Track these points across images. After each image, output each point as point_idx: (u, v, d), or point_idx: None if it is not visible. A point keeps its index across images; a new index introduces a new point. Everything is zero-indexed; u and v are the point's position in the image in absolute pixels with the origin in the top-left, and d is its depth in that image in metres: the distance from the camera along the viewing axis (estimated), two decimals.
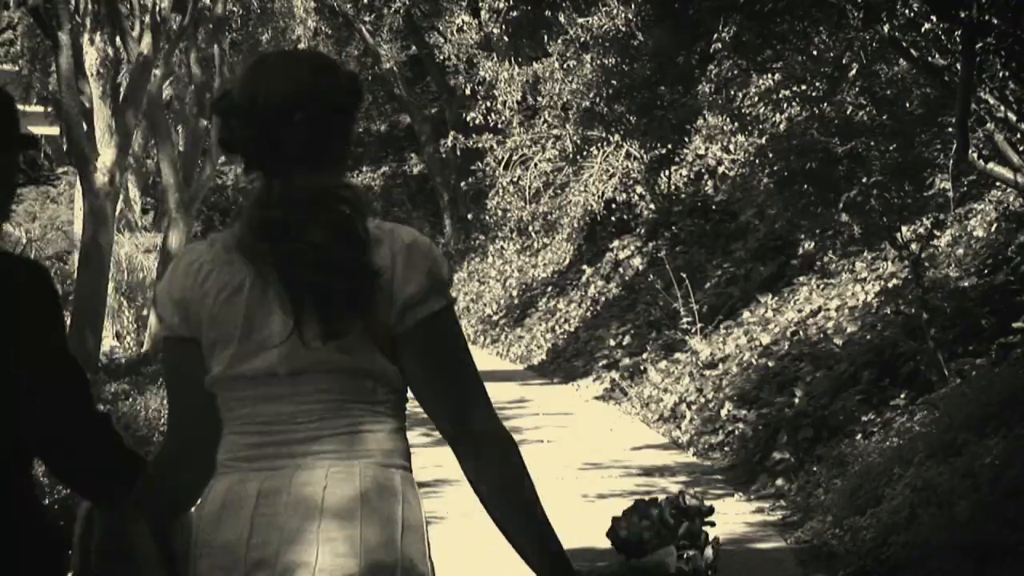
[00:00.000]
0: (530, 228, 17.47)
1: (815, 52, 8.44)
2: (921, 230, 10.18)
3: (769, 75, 9.61)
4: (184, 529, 2.40)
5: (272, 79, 2.29)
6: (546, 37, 16.17)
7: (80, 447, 2.51)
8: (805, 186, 8.85)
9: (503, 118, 17.36)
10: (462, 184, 25.21)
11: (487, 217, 18.77)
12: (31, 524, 2.48)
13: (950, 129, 7.91)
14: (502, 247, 22.14)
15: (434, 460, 10.29)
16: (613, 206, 16.89)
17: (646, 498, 2.85)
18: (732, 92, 13.35)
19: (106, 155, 10.45)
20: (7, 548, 2.37)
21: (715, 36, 10.05)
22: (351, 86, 2.37)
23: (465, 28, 21.63)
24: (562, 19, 14.84)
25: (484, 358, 18.41)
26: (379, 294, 2.20)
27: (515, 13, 15.04)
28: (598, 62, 13.99)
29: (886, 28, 7.29)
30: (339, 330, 2.19)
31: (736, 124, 13.49)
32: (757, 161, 9.70)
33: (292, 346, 2.20)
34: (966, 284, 9.54)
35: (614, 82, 13.79)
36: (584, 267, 18.68)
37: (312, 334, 2.19)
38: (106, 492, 2.53)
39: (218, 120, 2.33)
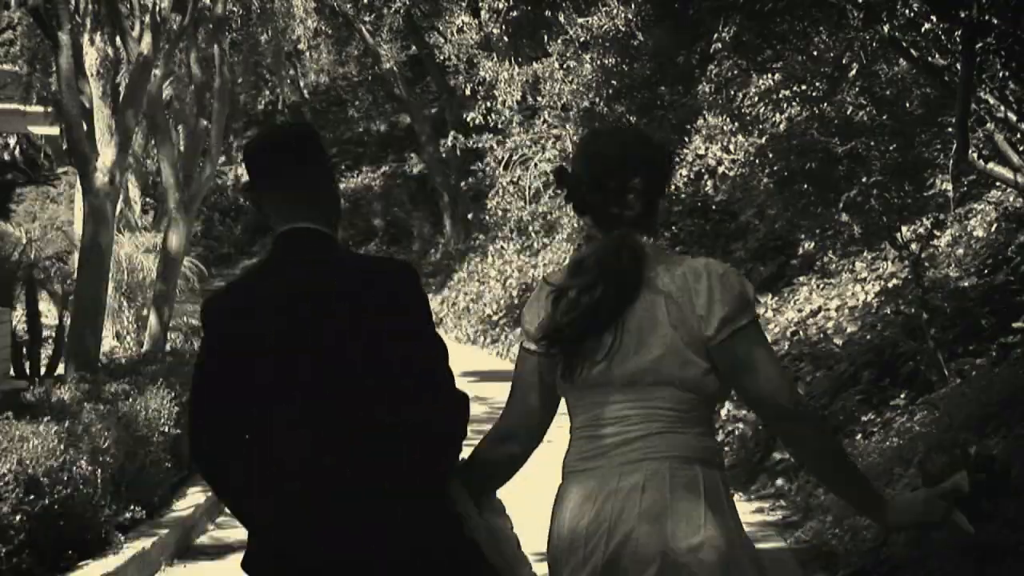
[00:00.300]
0: (530, 228, 17.46)
1: (815, 52, 8.44)
2: (921, 230, 10.18)
3: (769, 75, 9.61)
4: (495, 510, 3.16)
5: (610, 151, 2.91)
6: (546, 37, 16.16)
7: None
8: (805, 186, 8.85)
9: (503, 118, 17.36)
10: (462, 184, 25.22)
11: (487, 217, 18.77)
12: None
13: (950, 129, 7.91)
14: (502, 247, 22.13)
15: None
16: None
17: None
18: (732, 92, 13.35)
19: (106, 155, 10.45)
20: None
21: (715, 36, 10.05)
22: (667, 154, 3.01)
23: (465, 28, 21.62)
24: (562, 19, 14.83)
25: (484, 358, 18.40)
26: (692, 315, 2.77)
27: (515, 13, 15.02)
28: (598, 62, 13.99)
29: (886, 28, 7.29)
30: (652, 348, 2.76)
31: (736, 124, 13.48)
32: (757, 161, 9.70)
33: (621, 358, 2.78)
34: (966, 284, 9.54)
35: (614, 82, 13.77)
36: None
37: (634, 350, 2.77)
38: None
39: (565, 190, 2.93)
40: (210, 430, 2.95)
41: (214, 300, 3.09)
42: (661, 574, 2.71)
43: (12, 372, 14.16)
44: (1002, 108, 7.42)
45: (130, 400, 7.83)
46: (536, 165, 16.98)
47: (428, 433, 2.92)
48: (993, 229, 10.35)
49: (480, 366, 16.96)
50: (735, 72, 11.71)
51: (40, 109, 17.74)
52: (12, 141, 30.16)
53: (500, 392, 12.90)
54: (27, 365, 14.94)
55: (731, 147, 15.39)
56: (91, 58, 13.64)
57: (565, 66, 15.28)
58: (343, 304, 2.88)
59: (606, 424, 2.86)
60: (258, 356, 2.90)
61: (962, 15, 6.31)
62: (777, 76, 9.26)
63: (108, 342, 14.33)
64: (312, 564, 2.83)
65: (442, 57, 22.40)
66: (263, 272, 3.06)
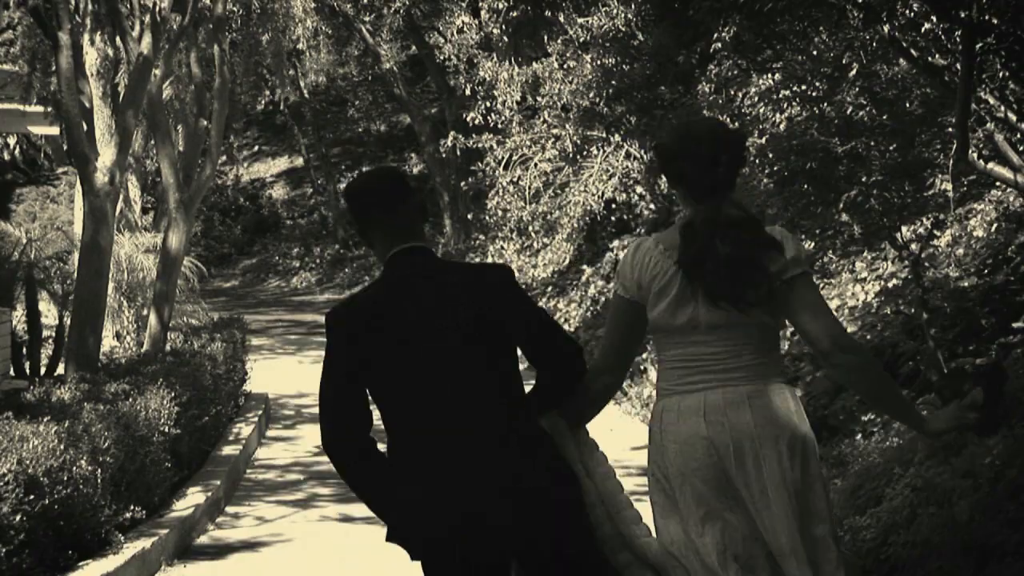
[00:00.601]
0: (530, 228, 17.45)
1: (815, 52, 8.44)
2: (921, 230, 10.18)
3: (769, 75, 9.61)
4: (589, 445, 4.05)
5: (702, 132, 3.73)
6: (546, 37, 16.16)
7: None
8: (805, 186, 8.85)
9: (503, 118, 17.34)
10: (462, 184, 25.21)
11: (487, 217, 18.74)
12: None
13: (950, 129, 7.91)
14: (502, 247, 22.12)
15: None
16: (613, 206, 16.88)
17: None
18: (732, 92, 13.34)
19: (106, 155, 10.45)
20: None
21: (715, 36, 10.05)
22: (743, 137, 3.88)
23: (465, 28, 21.60)
24: (562, 19, 14.83)
25: None
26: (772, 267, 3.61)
27: (515, 13, 15.04)
28: (598, 62, 13.99)
29: (886, 28, 7.28)
30: (742, 303, 3.58)
31: (736, 124, 13.48)
32: (757, 161, 9.69)
33: (708, 308, 3.61)
34: (966, 284, 9.54)
35: (614, 82, 13.78)
36: (584, 267, 18.68)
37: (724, 303, 3.60)
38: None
39: (659, 161, 3.76)
40: (344, 434, 3.61)
41: (342, 311, 3.70)
42: (790, 446, 3.62)
43: (12, 372, 14.17)
44: (1002, 108, 7.42)
45: (130, 400, 7.83)
46: (536, 165, 16.96)
47: (560, 371, 3.80)
48: (993, 229, 10.35)
49: None
50: (735, 72, 11.71)
51: (40, 109, 17.74)
52: (12, 141, 30.16)
53: None
54: (27, 365, 14.95)
55: None
56: (91, 58, 13.64)
57: (565, 66, 15.28)
58: (463, 290, 3.64)
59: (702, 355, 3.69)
60: (398, 348, 3.57)
61: (962, 15, 6.30)
62: (777, 76, 9.26)
63: (108, 342, 14.32)
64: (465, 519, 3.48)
65: (442, 57, 22.36)
66: (387, 283, 3.69)
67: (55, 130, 17.62)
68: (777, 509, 3.59)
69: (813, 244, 13.41)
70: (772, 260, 3.61)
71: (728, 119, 14.10)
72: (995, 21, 6.42)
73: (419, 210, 3.77)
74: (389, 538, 3.64)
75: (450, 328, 3.57)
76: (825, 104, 8.70)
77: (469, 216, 26.01)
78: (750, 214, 3.74)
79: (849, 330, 10.41)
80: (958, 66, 6.92)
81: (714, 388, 3.65)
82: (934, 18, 7.12)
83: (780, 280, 3.61)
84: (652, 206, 17.22)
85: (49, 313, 16.23)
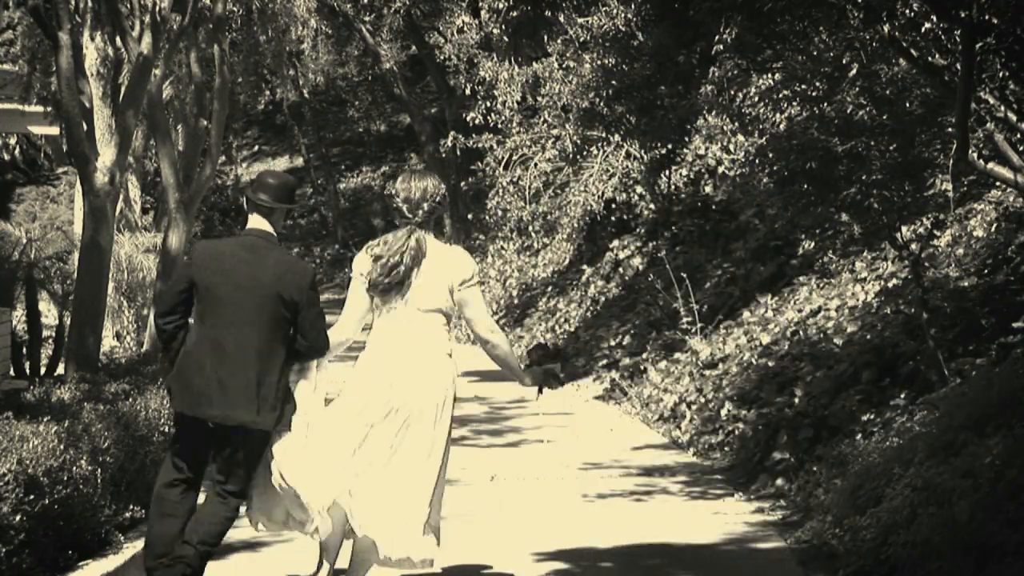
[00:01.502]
0: (530, 228, 17.46)
1: (815, 52, 8.44)
2: (921, 230, 10.18)
3: (769, 75, 9.61)
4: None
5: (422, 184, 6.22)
6: (546, 37, 16.16)
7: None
8: (805, 186, 8.84)
9: (503, 118, 17.35)
10: (462, 184, 25.21)
11: (487, 217, 18.75)
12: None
13: (950, 129, 7.91)
14: (502, 247, 22.15)
15: None
16: (613, 206, 16.88)
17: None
18: (732, 92, 13.34)
19: (106, 155, 10.45)
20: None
21: (716, 38, 10.05)
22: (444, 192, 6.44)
23: (465, 28, 21.60)
24: (562, 19, 14.83)
25: (484, 358, 18.38)
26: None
27: (515, 13, 15.03)
28: (598, 62, 13.98)
29: (886, 28, 7.28)
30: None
31: (736, 124, 13.49)
32: (757, 161, 9.69)
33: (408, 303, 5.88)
34: (966, 284, 9.54)
35: (614, 82, 13.77)
36: (584, 267, 18.68)
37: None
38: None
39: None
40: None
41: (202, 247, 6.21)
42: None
43: (12, 372, 14.17)
44: (1002, 108, 7.42)
45: (130, 400, 7.83)
46: (536, 165, 16.97)
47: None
48: (993, 229, 10.35)
49: (480, 366, 16.96)
50: (735, 72, 11.71)
51: (40, 109, 17.74)
52: (12, 141, 30.16)
53: (500, 392, 12.97)
54: (27, 365, 14.96)
55: (731, 147, 15.40)
56: (91, 58, 13.65)
57: (565, 66, 15.28)
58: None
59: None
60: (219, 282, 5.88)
61: (962, 15, 6.30)
62: (777, 76, 9.26)
63: (108, 342, 14.33)
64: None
65: (442, 57, 22.37)
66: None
67: (55, 130, 17.63)
68: None
69: (813, 244, 13.42)
70: None
71: (728, 119, 14.11)
72: (995, 21, 6.42)
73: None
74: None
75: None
76: (825, 104, 8.70)
77: (469, 216, 26.02)
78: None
79: (849, 330, 10.43)
80: (958, 66, 6.92)
81: None
82: (934, 18, 7.12)
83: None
84: (652, 206, 17.22)
85: (49, 313, 16.24)
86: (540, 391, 6.22)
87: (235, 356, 5.77)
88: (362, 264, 5.91)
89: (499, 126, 17.47)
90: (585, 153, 16.18)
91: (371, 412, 5.76)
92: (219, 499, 5.87)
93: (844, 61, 8.39)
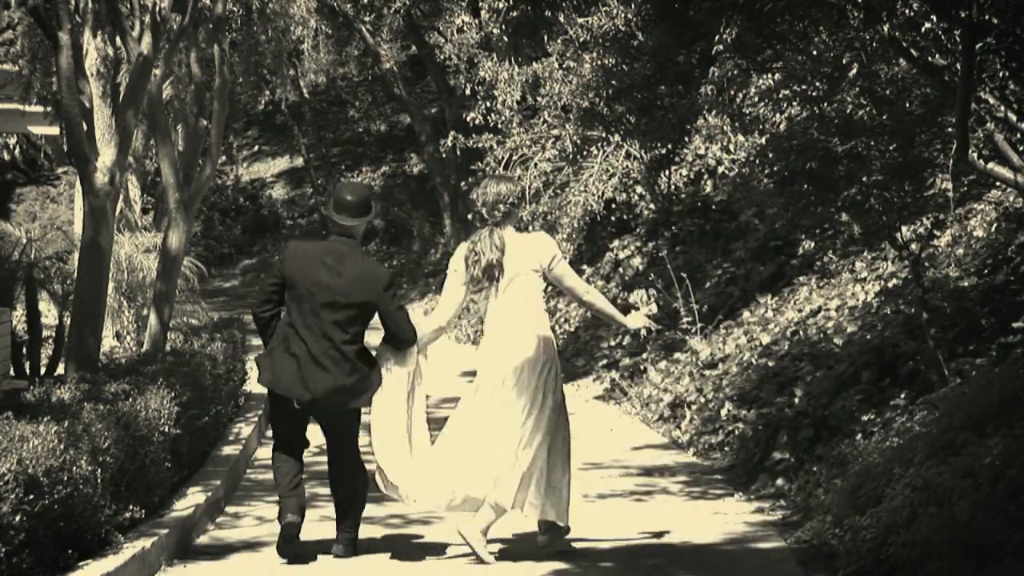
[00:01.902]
0: (530, 228, 17.44)
1: (815, 52, 8.44)
2: (921, 230, 10.18)
3: (769, 75, 9.60)
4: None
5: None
6: (546, 37, 16.15)
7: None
8: (805, 186, 8.84)
9: (503, 118, 17.33)
10: (462, 184, 25.20)
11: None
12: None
13: (950, 129, 7.91)
14: None
15: None
16: (613, 206, 16.87)
17: None
18: (732, 92, 13.34)
19: (106, 155, 10.44)
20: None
21: (716, 37, 10.04)
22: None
23: (465, 28, 21.59)
24: (562, 19, 14.82)
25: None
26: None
27: (515, 13, 15.01)
28: (598, 62, 13.96)
29: (886, 28, 7.28)
30: None
31: (736, 124, 13.49)
32: (757, 161, 9.69)
33: None
34: (966, 284, 9.54)
35: (614, 82, 13.75)
36: (584, 267, 18.66)
37: None
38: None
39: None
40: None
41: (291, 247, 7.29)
42: None
43: (12, 372, 14.17)
44: (1002, 108, 7.42)
45: (130, 400, 7.83)
46: (536, 165, 16.95)
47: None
48: (993, 229, 10.35)
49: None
50: (735, 72, 11.70)
51: (40, 109, 17.72)
52: (12, 141, 30.15)
53: None
54: (27, 365, 14.95)
55: (731, 147, 15.38)
56: (91, 58, 13.64)
57: (565, 66, 15.27)
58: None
59: None
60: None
61: (962, 15, 6.30)
62: (777, 76, 9.26)
63: (108, 342, 14.32)
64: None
65: (442, 57, 22.35)
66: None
67: (55, 130, 17.61)
68: None
69: (813, 244, 13.41)
70: None
71: (728, 119, 14.10)
72: (995, 21, 6.42)
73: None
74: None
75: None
76: (825, 104, 8.70)
77: (469, 216, 25.97)
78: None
79: (849, 330, 10.43)
80: (958, 66, 6.92)
81: None
82: (934, 18, 7.12)
83: None
84: (652, 206, 17.22)
85: (49, 313, 16.23)
86: (640, 332, 7.45)
87: (315, 346, 6.86)
88: (457, 262, 7.05)
89: (499, 126, 17.46)
90: (585, 153, 16.16)
91: (495, 387, 6.92)
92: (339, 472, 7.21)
93: (844, 61, 8.38)
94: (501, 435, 6.83)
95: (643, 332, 7.46)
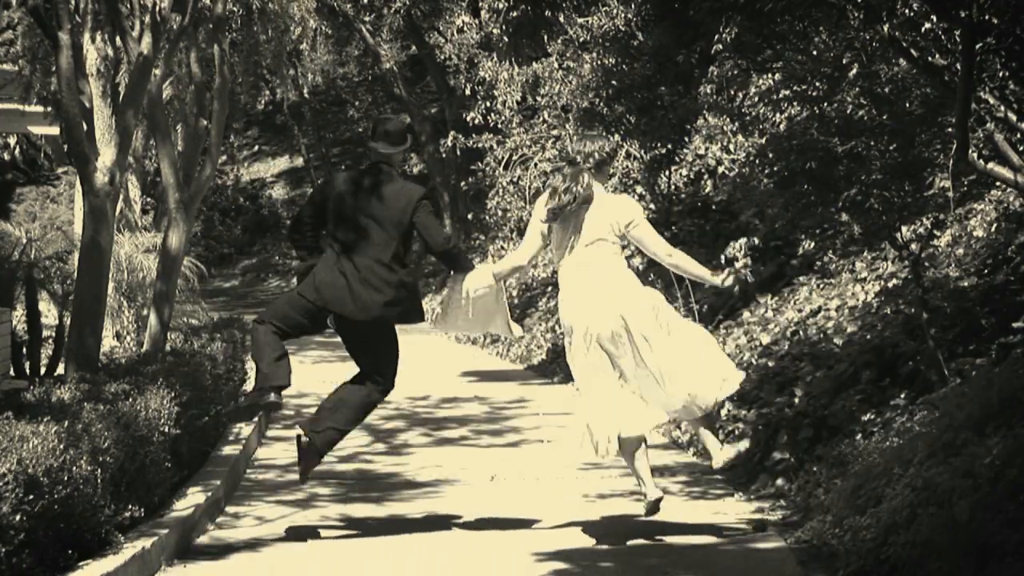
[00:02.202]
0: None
1: (815, 52, 8.44)
2: (921, 230, 10.17)
3: (769, 75, 9.61)
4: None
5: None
6: (546, 37, 16.16)
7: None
8: (805, 186, 8.84)
9: (503, 118, 17.34)
10: (462, 184, 25.21)
11: (487, 217, 18.75)
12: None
13: (950, 129, 7.91)
14: (502, 247, 22.11)
15: (434, 460, 10.31)
16: None
17: None
18: (732, 92, 13.35)
19: (106, 155, 10.44)
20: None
21: (716, 37, 10.05)
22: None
23: (465, 28, 21.60)
24: (562, 19, 14.83)
25: (484, 358, 18.41)
26: None
27: (515, 13, 15.00)
28: (598, 62, 13.98)
29: (886, 28, 7.28)
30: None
31: (736, 124, 13.49)
32: (757, 161, 9.68)
33: None
34: (966, 284, 9.54)
35: (614, 82, 13.77)
36: None
37: None
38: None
39: None
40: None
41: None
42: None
43: (12, 372, 14.17)
44: (1002, 108, 7.42)
45: (130, 400, 7.82)
46: (536, 165, 16.96)
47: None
48: (993, 229, 10.35)
49: (480, 366, 16.97)
50: (735, 72, 11.71)
51: (40, 109, 17.72)
52: (12, 141, 30.15)
53: (499, 392, 13.00)
54: (27, 365, 14.95)
55: (731, 147, 15.39)
56: (91, 58, 13.62)
57: (565, 66, 15.28)
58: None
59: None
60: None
61: (962, 15, 6.30)
62: (777, 76, 9.26)
63: (108, 342, 14.32)
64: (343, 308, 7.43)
65: (442, 57, 22.37)
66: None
67: (55, 130, 17.61)
68: None
69: (813, 244, 13.41)
70: None
71: (728, 119, 14.11)
72: (995, 21, 6.42)
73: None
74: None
75: None
76: (825, 104, 8.70)
77: (469, 216, 26.01)
78: None
79: (849, 330, 10.43)
80: (958, 66, 6.92)
81: None
82: (934, 18, 7.12)
83: None
84: (652, 206, 17.22)
85: (49, 313, 16.23)
86: (735, 288, 7.58)
87: (363, 264, 7.36)
88: (541, 205, 7.33)
89: (499, 126, 17.47)
90: None
91: (589, 342, 7.19)
92: (371, 384, 7.56)
93: (844, 61, 8.38)
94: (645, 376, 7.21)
95: (736, 288, 7.63)
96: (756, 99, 10.44)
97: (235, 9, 20.06)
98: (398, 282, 7.45)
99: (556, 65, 15.51)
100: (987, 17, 6.36)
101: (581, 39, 14.46)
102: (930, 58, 7.36)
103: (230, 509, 8.70)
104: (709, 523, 8.02)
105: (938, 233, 10.42)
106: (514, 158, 17.32)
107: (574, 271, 7.27)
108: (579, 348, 7.25)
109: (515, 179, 17.19)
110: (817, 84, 8.60)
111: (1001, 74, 7.16)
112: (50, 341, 15.69)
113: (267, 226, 35.53)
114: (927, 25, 7.27)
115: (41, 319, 15.63)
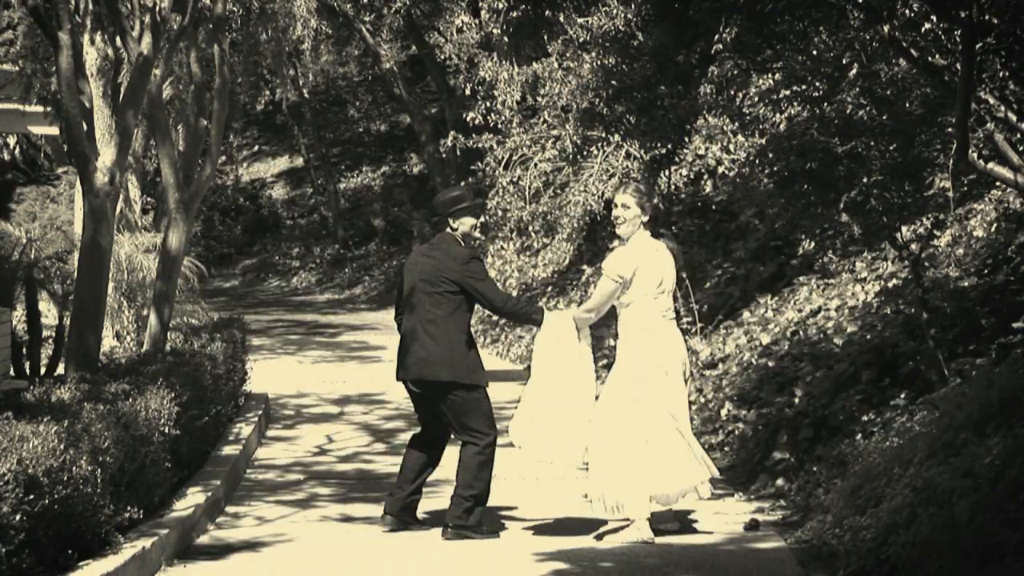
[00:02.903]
0: (530, 228, 17.44)
1: (815, 52, 8.44)
2: (921, 230, 10.18)
3: (769, 75, 9.60)
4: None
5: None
6: (546, 37, 16.15)
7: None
8: (805, 186, 8.84)
9: (503, 118, 17.33)
10: (462, 184, 25.20)
11: (487, 217, 18.74)
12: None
13: (950, 129, 7.91)
14: (502, 247, 22.13)
15: None
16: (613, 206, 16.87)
17: None
18: (732, 92, 13.34)
19: (106, 155, 10.44)
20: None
21: (716, 37, 10.05)
22: None
23: (465, 28, 21.60)
24: (562, 19, 14.82)
25: (484, 358, 18.38)
26: None
27: (515, 13, 15.03)
28: (598, 62, 13.97)
29: (886, 28, 7.28)
30: None
31: (736, 124, 13.48)
32: (757, 161, 9.69)
33: None
34: (966, 284, 9.54)
35: (614, 82, 13.76)
36: (584, 267, 18.67)
37: None
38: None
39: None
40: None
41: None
42: None
43: (12, 372, 14.16)
44: (1002, 108, 7.42)
45: (130, 400, 7.82)
46: (536, 165, 16.94)
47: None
48: (993, 229, 10.35)
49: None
50: (735, 72, 11.71)
51: (40, 109, 17.70)
52: (12, 141, 30.14)
53: (501, 392, 13.00)
54: (27, 365, 14.94)
55: (731, 147, 15.37)
56: (91, 58, 13.63)
57: (565, 66, 15.27)
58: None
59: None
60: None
61: (962, 15, 6.30)
62: (777, 76, 9.26)
63: (108, 342, 14.32)
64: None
65: (442, 57, 22.35)
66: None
67: (55, 130, 17.60)
68: None
69: (813, 244, 13.41)
70: None
71: (728, 119, 14.10)
72: (995, 21, 6.42)
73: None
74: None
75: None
76: (825, 104, 8.70)
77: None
78: None
79: (849, 330, 10.43)
80: (958, 66, 6.92)
81: None
82: (934, 18, 7.12)
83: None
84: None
85: (49, 313, 16.22)
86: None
87: (408, 323, 7.89)
88: (626, 271, 8.24)
89: (499, 126, 17.46)
90: (585, 153, 16.16)
91: (660, 376, 7.88)
92: (461, 447, 7.89)
93: (844, 61, 8.38)
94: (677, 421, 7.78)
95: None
96: (756, 99, 10.43)
97: (235, 9, 20.06)
98: (438, 337, 7.94)
99: (556, 65, 15.49)
100: (987, 17, 6.36)
101: (581, 39, 14.44)
102: (930, 58, 7.36)
103: (230, 509, 8.70)
104: (709, 523, 8.02)
105: (938, 233, 10.42)
106: (514, 158, 17.30)
107: (663, 314, 8.05)
108: (673, 384, 7.84)
109: (515, 179, 17.17)
110: (817, 84, 8.60)
111: (1001, 74, 7.16)
112: (50, 341, 15.67)
113: (267, 226, 35.51)
114: (927, 25, 7.27)
115: (41, 319, 15.61)
